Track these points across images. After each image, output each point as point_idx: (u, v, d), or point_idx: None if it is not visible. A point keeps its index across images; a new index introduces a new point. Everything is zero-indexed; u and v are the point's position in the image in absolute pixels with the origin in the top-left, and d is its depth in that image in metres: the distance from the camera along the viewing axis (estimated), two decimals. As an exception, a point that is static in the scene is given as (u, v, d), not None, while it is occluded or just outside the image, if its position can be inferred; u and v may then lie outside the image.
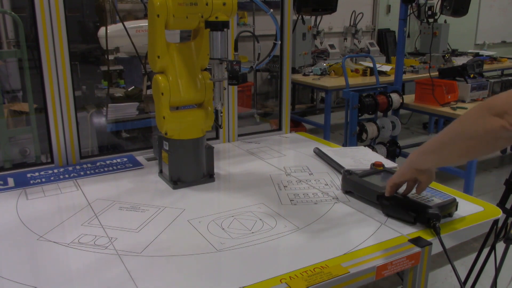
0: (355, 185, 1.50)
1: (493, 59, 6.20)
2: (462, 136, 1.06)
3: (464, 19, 4.60)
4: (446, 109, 3.53)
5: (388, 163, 1.72)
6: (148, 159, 1.92)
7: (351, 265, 1.10)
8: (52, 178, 1.70)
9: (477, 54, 6.38)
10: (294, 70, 5.12)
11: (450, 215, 1.35)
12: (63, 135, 1.81)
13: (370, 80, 4.77)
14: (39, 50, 1.71)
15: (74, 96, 1.81)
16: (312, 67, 5.21)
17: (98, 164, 1.84)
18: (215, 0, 1.44)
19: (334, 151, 1.94)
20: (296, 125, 5.38)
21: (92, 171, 1.77)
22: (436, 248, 1.21)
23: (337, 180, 1.67)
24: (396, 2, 5.98)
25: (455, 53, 6.36)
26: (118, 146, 3.04)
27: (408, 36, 6.50)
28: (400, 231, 1.27)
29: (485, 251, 2.11)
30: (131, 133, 3.13)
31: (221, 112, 1.63)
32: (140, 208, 1.44)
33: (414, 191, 1.37)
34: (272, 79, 6.44)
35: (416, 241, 1.21)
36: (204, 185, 1.64)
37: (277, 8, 2.05)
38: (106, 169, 1.79)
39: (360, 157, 1.85)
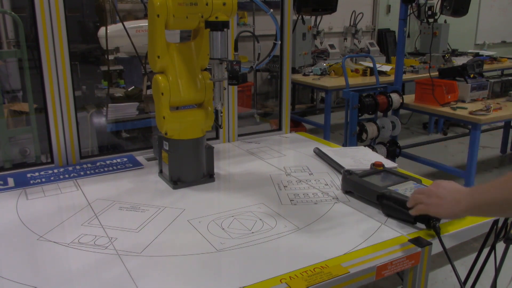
0: (355, 185, 1.50)
1: (493, 59, 6.20)
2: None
3: (464, 19, 4.60)
4: (446, 109, 3.53)
5: (388, 163, 1.72)
6: (148, 159, 1.92)
7: (351, 265, 1.10)
8: (52, 178, 1.70)
9: (477, 54, 6.38)
10: (294, 70, 5.12)
11: (450, 215, 1.35)
12: (63, 135, 1.81)
13: (370, 80, 4.77)
14: (39, 50, 1.71)
15: (74, 96, 1.81)
16: (312, 67, 5.20)
17: (98, 164, 1.84)
18: (215, 0, 1.44)
19: (334, 151, 1.94)
20: (296, 125, 5.38)
21: (92, 171, 1.77)
22: (436, 248, 1.22)
23: (337, 180, 1.67)
24: (396, 2, 5.98)
25: (455, 53, 6.35)
26: (118, 146, 3.04)
27: (408, 36, 6.50)
28: (400, 231, 1.27)
29: (485, 251, 2.11)
30: (131, 133, 3.12)
31: (221, 112, 1.63)
32: (140, 208, 1.44)
33: (413, 190, 1.37)
34: (272, 79, 6.44)
35: (416, 241, 1.21)
36: (204, 185, 1.64)
37: (277, 8, 2.05)
38: (106, 169, 1.79)
39: (360, 157, 1.85)
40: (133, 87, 3.12)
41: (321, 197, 1.52)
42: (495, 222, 1.75)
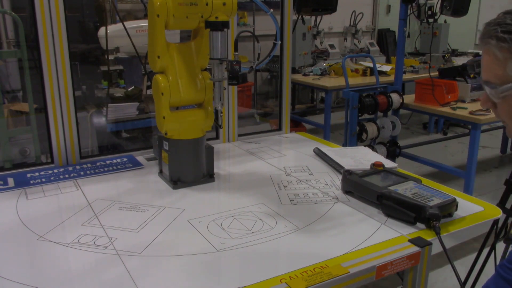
0: (355, 185, 1.50)
1: (493, 59, 6.19)
2: None
3: (464, 19, 4.60)
4: (446, 109, 3.53)
5: (388, 163, 1.72)
6: (148, 159, 1.92)
7: (351, 265, 1.10)
8: (52, 178, 1.70)
9: (477, 54, 6.36)
10: (294, 70, 5.12)
11: (450, 215, 1.35)
12: (63, 135, 1.81)
13: (370, 80, 4.77)
14: (39, 50, 1.71)
15: (74, 96, 1.81)
16: (312, 67, 5.21)
17: (98, 164, 1.84)
18: (215, 0, 1.44)
19: (334, 151, 1.94)
20: (296, 125, 5.38)
21: (92, 171, 1.77)
22: (436, 248, 1.21)
23: (337, 180, 1.67)
24: (396, 2, 5.98)
25: (455, 53, 6.35)
26: (118, 146, 3.04)
27: (408, 36, 6.49)
28: (400, 231, 1.27)
29: (485, 251, 2.11)
30: (131, 133, 3.12)
31: (221, 112, 1.63)
32: (140, 208, 1.44)
33: (414, 191, 1.37)
34: (272, 79, 6.44)
35: (416, 241, 1.21)
36: (204, 185, 1.64)
37: (277, 8, 2.05)
38: (106, 169, 1.79)
39: (360, 157, 1.85)
40: (133, 87, 3.12)
41: (321, 197, 1.52)
42: (495, 222, 1.75)
